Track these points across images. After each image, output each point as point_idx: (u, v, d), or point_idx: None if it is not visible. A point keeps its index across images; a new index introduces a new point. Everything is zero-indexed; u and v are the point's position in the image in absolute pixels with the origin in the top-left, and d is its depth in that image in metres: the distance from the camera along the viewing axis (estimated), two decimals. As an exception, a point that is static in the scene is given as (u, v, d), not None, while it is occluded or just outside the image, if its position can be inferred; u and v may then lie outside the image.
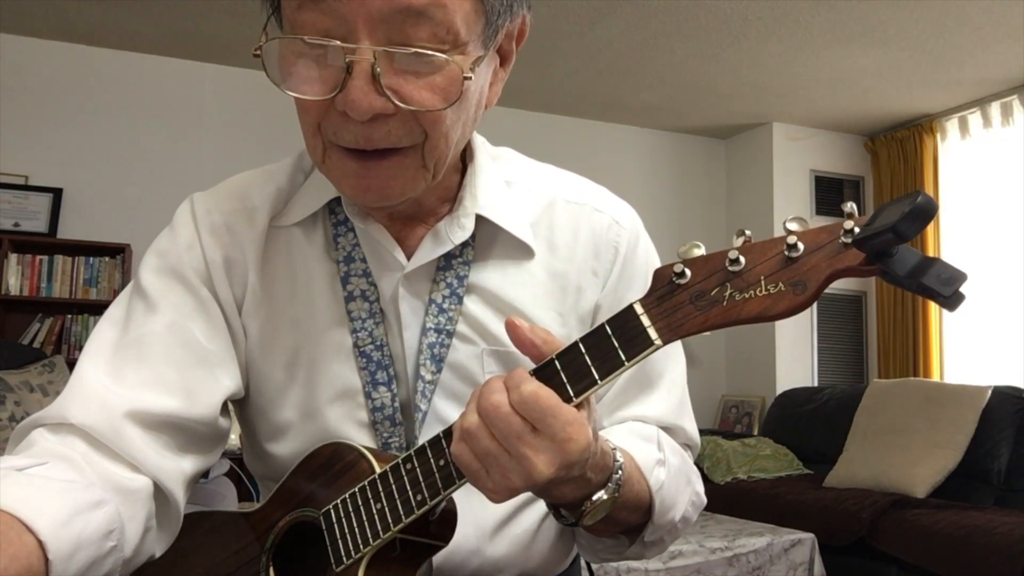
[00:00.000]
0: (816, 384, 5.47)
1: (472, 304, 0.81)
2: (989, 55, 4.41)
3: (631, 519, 0.75)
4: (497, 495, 0.60)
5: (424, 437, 0.78)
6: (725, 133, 5.93)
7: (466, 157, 0.85)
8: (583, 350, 0.61)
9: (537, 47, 4.47)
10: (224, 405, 0.81)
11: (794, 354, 5.46)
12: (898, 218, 0.50)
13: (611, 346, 0.60)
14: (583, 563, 0.97)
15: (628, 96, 5.25)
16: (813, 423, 4.65)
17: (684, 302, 0.59)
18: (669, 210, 5.67)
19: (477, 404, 0.60)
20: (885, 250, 0.52)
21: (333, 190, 0.80)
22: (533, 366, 0.69)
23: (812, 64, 4.64)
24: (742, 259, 0.57)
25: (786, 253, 0.56)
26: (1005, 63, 4.50)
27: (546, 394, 0.59)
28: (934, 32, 4.17)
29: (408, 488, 0.67)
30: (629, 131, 5.79)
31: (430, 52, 0.64)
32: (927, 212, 0.49)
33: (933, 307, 5.14)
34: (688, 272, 0.59)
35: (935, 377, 5.04)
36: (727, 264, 0.58)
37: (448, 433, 0.65)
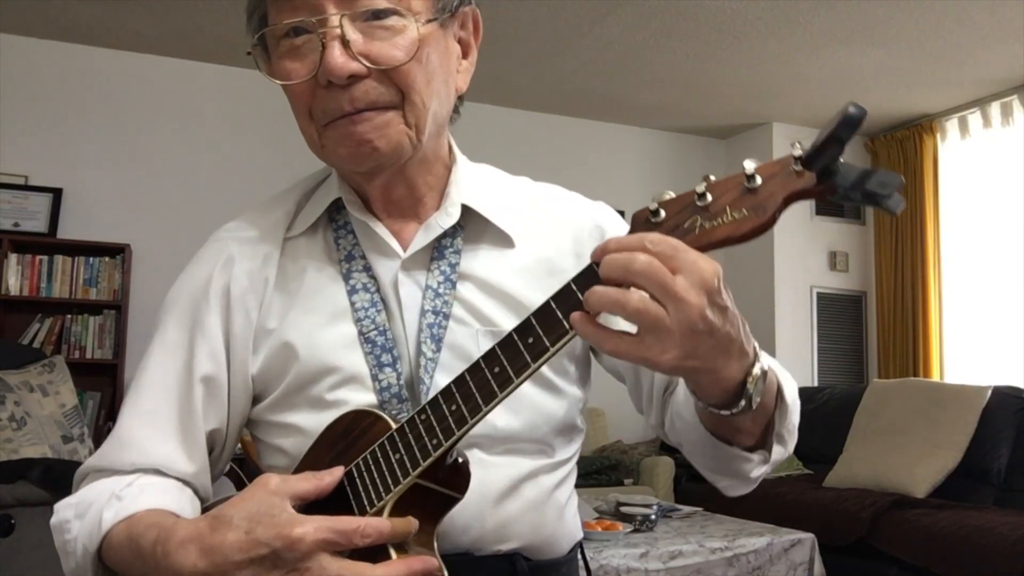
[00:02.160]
0: (816, 384, 5.47)
1: (465, 290, 0.88)
2: (989, 55, 4.41)
3: (769, 406, 0.77)
4: (668, 355, 0.63)
5: None
6: (725, 133, 5.93)
7: (451, 159, 0.94)
8: (575, 288, 0.67)
9: (537, 47, 4.47)
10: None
11: (794, 354, 5.46)
12: (834, 127, 0.57)
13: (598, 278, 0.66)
14: (581, 560, 0.98)
15: (628, 96, 5.25)
16: (813, 423, 4.65)
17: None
18: (669, 210, 5.68)
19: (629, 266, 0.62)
20: (830, 166, 0.60)
21: (333, 195, 0.90)
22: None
23: (812, 64, 4.64)
24: (708, 195, 0.65)
25: (746, 184, 0.64)
26: (1005, 63, 4.50)
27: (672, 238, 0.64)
28: (934, 32, 4.17)
29: (424, 435, 0.73)
30: (629, 131, 5.79)
31: (385, 7, 0.79)
32: (857, 116, 0.57)
33: (933, 307, 5.15)
34: (663, 212, 0.67)
35: (935, 377, 5.05)
36: (696, 200, 0.66)
37: (458, 380, 0.71)
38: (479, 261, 0.89)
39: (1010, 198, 4.79)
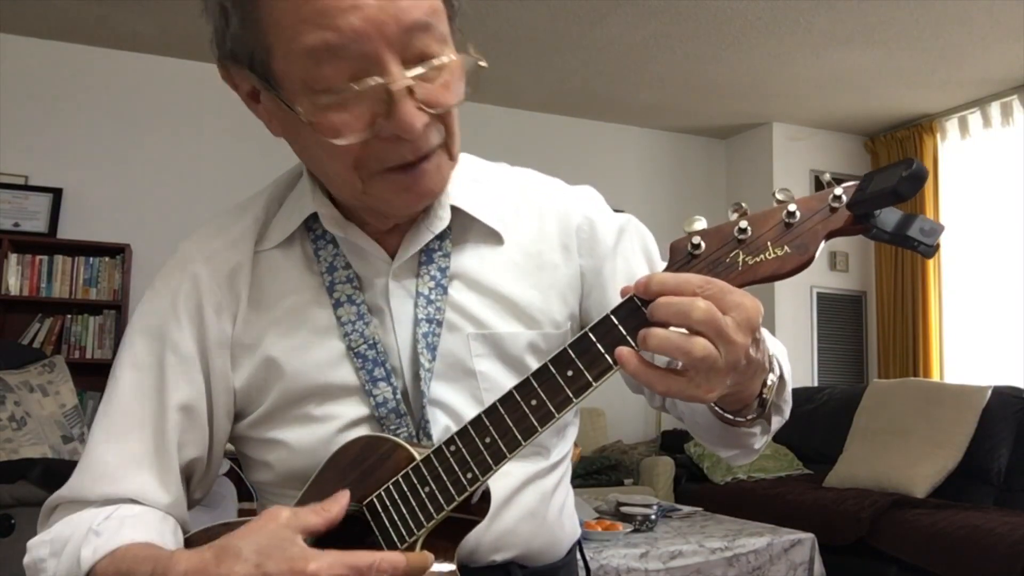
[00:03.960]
0: (816, 384, 5.47)
1: (456, 292, 0.84)
2: (989, 55, 4.41)
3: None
4: (714, 392, 0.65)
5: (432, 422, 0.81)
6: (725, 133, 5.93)
7: None
8: (616, 322, 0.66)
9: (537, 47, 4.47)
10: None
11: (794, 354, 5.44)
12: (896, 181, 0.57)
13: (642, 316, 0.65)
14: (580, 560, 0.98)
15: (628, 96, 5.25)
16: (813, 423, 4.65)
17: (703, 270, 0.66)
18: (669, 210, 5.67)
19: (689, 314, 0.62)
20: (870, 211, 0.61)
21: (308, 210, 0.84)
22: (519, 345, 0.83)
23: (812, 64, 4.64)
24: (749, 229, 0.65)
25: (785, 220, 0.64)
26: (1005, 63, 4.50)
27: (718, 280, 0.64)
28: (934, 32, 4.17)
29: (456, 468, 0.70)
30: (629, 131, 5.79)
31: (445, 60, 0.72)
32: (923, 174, 0.57)
33: (933, 307, 5.15)
34: (703, 244, 0.66)
35: (935, 377, 5.05)
36: (736, 234, 0.65)
37: (490, 411, 0.69)
38: (467, 260, 0.86)
39: (1010, 198, 4.79)
